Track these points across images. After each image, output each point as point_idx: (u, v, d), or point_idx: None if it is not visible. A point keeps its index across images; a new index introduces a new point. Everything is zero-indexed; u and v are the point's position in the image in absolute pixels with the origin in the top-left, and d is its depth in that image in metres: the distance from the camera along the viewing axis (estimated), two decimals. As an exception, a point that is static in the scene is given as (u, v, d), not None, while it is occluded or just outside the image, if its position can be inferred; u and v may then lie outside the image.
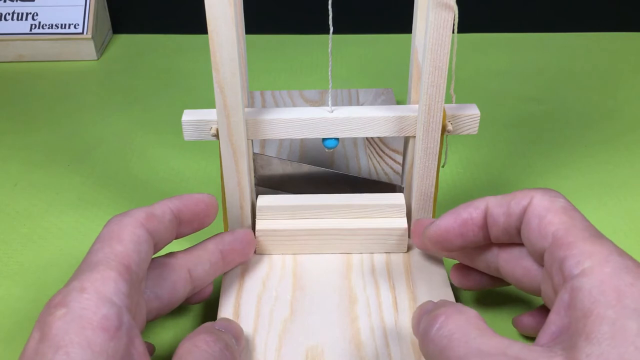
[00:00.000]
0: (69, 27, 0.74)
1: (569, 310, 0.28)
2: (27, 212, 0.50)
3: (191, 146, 0.58)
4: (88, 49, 0.75)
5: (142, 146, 0.59)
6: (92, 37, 0.74)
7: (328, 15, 0.39)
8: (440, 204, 0.48)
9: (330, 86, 0.41)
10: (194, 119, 0.40)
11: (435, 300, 0.34)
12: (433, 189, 0.42)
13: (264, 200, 0.42)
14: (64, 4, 0.75)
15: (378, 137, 0.55)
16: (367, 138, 0.56)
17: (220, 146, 0.40)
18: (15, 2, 0.75)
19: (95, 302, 0.28)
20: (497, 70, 0.72)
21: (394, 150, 0.54)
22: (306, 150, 0.54)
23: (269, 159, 0.48)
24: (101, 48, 0.77)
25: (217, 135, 0.40)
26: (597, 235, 0.30)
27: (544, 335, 0.29)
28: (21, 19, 0.74)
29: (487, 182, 0.53)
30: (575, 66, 0.73)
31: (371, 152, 0.54)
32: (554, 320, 0.29)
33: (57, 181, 0.54)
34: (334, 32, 0.40)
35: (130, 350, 0.28)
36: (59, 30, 0.74)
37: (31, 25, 0.74)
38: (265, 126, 0.41)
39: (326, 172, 0.48)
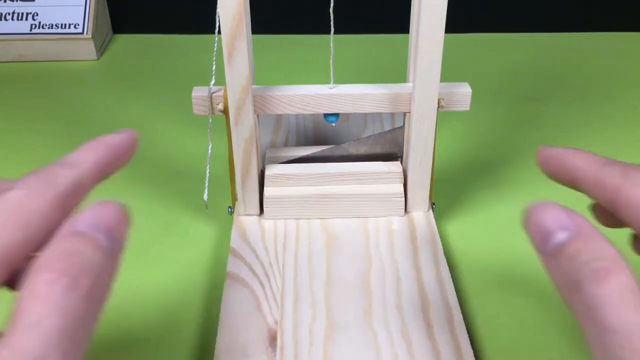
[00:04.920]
0: (69, 27, 0.74)
1: None
2: (27, 212, 0.50)
3: (190, 146, 0.58)
4: (88, 49, 0.75)
5: (143, 147, 0.59)
6: (92, 37, 0.74)
7: (325, 16, 0.40)
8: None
9: (331, 62, 0.44)
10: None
11: None
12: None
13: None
14: (64, 4, 0.75)
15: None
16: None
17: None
18: (15, 2, 0.75)
19: None
20: (497, 70, 0.72)
21: None
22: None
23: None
24: (101, 48, 0.77)
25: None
26: None
27: None
28: (21, 19, 0.74)
29: (487, 181, 0.53)
30: (576, 66, 0.73)
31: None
32: None
33: (57, 181, 0.54)
34: (334, 33, 0.40)
35: None
36: (59, 30, 0.74)
37: (31, 25, 0.74)
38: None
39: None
